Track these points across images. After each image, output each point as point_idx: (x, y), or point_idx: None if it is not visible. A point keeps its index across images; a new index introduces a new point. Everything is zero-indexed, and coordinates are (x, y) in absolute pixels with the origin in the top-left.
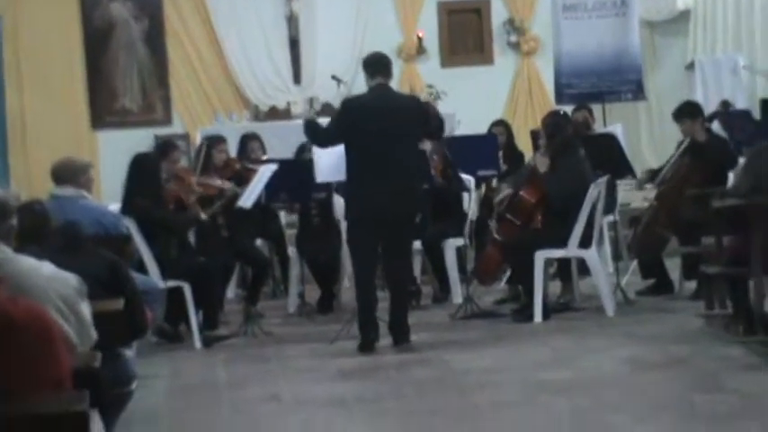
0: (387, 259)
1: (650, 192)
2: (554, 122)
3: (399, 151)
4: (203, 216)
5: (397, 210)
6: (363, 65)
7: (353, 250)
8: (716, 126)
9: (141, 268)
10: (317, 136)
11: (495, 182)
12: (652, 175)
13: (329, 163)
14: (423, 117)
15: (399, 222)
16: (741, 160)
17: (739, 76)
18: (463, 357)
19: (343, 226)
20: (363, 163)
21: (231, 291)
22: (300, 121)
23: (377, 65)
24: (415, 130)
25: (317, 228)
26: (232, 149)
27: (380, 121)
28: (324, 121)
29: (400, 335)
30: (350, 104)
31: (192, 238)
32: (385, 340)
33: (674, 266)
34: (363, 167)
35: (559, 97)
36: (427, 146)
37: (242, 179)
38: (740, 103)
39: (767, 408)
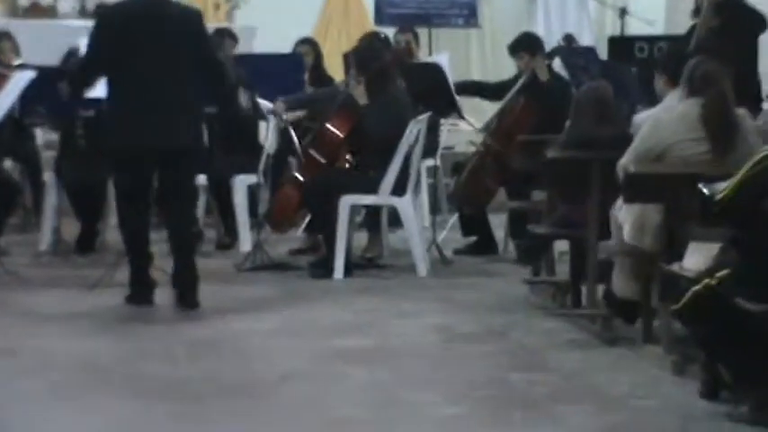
0: (164, 201)
1: (478, 135)
2: (368, 47)
3: (171, 72)
4: None
5: (169, 142)
6: None
7: (118, 191)
8: (556, 64)
9: None
10: (78, 78)
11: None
12: None
13: None
14: (202, 36)
15: (173, 157)
16: None
17: (587, 9)
18: (247, 317)
19: None
20: (124, 85)
21: None
22: (68, 23)
23: None
24: (193, 48)
25: (83, 151)
26: None
27: (147, 35)
28: None
29: (188, 297)
30: (105, 13)
31: None
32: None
33: (499, 223)
34: (124, 91)
35: (379, 17)
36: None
37: None
38: (585, 40)
39: (589, 391)
